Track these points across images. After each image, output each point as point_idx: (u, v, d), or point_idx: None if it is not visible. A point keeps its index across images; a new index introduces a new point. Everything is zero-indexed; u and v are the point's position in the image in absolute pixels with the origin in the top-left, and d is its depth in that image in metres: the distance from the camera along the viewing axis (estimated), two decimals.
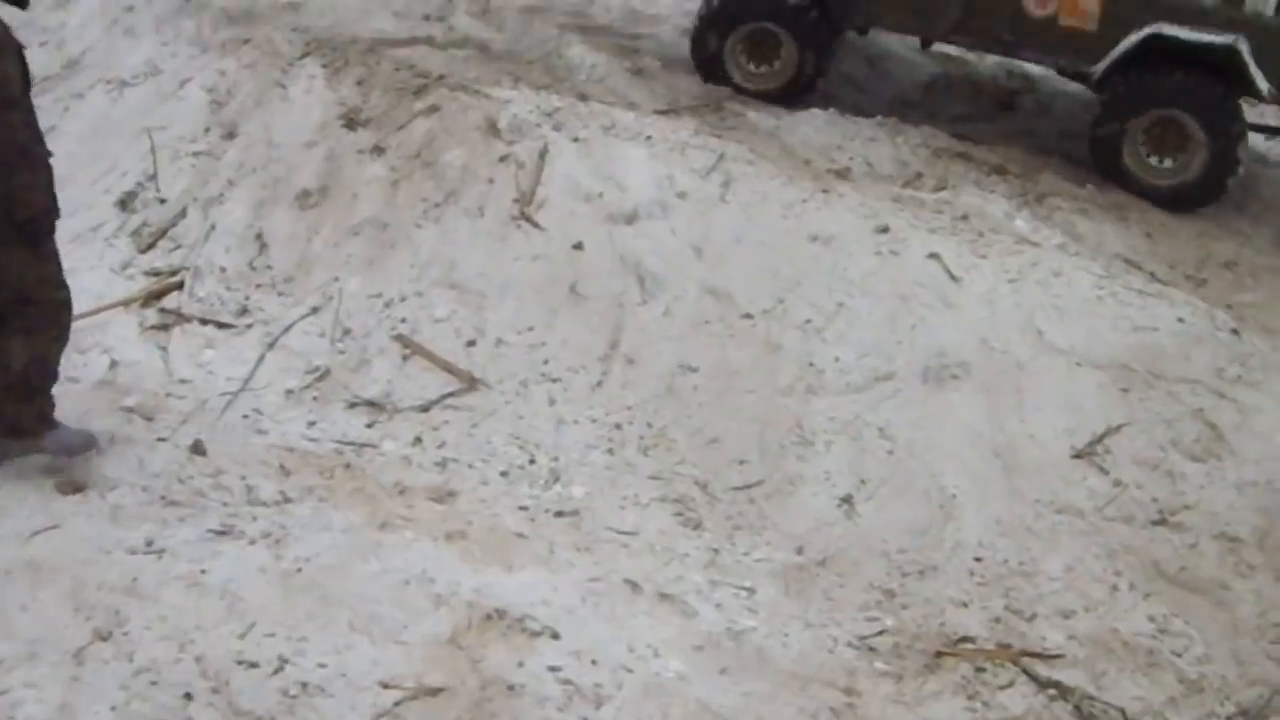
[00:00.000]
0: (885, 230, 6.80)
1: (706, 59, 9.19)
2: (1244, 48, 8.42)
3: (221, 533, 4.76)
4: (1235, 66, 8.49)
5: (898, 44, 10.32)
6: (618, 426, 6.09)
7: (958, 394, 6.07)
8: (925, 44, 10.16)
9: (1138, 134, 8.71)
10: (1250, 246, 8.47)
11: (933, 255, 6.66)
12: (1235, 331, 6.55)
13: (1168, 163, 8.71)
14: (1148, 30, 8.53)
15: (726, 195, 7.00)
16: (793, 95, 9.05)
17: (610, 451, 5.97)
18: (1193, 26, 8.50)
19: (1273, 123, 9.47)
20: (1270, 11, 8.62)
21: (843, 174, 7.71)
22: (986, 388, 6.08)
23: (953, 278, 6.55)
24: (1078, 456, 5.86)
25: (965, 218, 7.21)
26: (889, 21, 9.35)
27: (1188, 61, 8.59)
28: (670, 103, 8.70)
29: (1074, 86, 9.76)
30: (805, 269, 6.62)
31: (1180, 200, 8.67)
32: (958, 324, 6.34)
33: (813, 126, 8.48)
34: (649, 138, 7.38)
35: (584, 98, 8.05)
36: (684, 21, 10.20)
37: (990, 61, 10.40)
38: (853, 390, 6.14)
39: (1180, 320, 6.48)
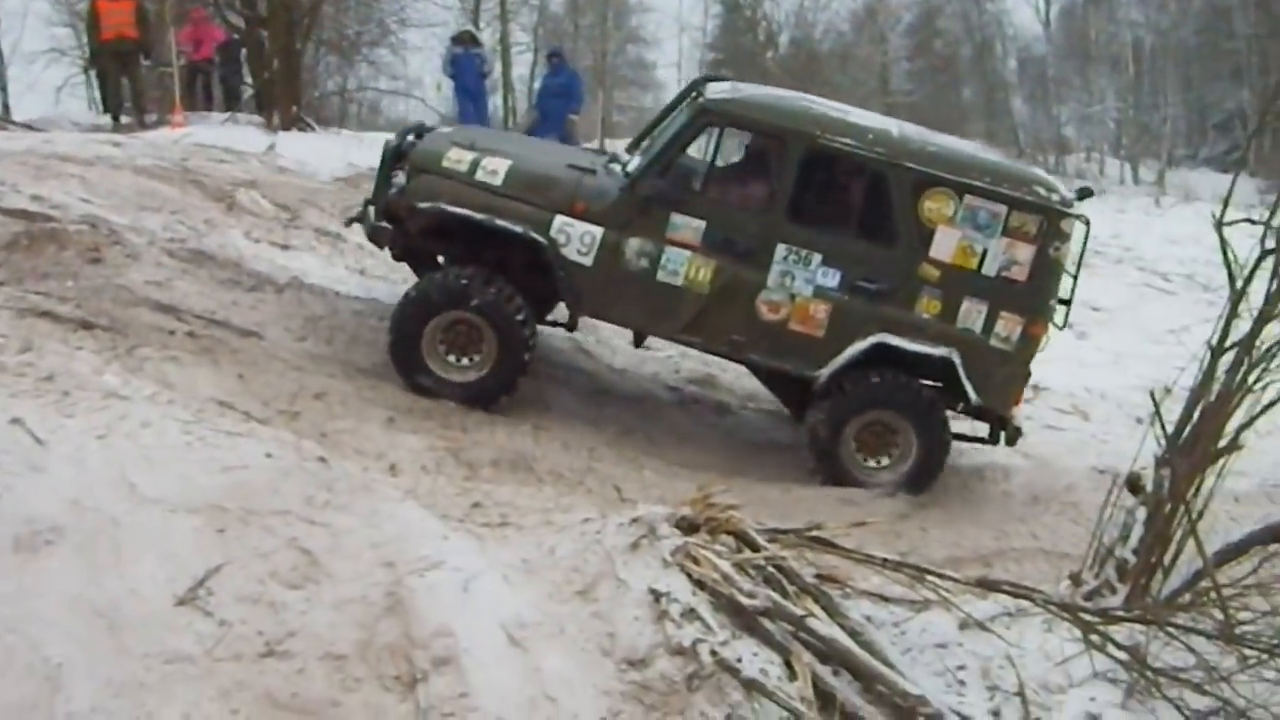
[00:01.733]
0: None
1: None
2: (957, 360, 9.49)
3: None
4: (950, 377, 9.58)
5: None
6: None
7: (53, 560, 5.90)
8: (639, 340, 10.57)
9: (852, 437, 9.63)
10: (340, 377, 9.02)
11: (15, 421, 6.47)
12: (323, 459, 6.91)
13: (884, 461, 9.76)
14: (874, 339, 9.42)
15: None
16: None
17: None
18: (912, 338, 9.48)
19: None
20: (977, 328, 9.60)
21: None
22: (82, 549, 5.96)
23: (38, 441, 6.40)
24: (181, 604, 5.89)
25: (50, 378, 7.07)
26: (618, 316, 9.78)
27: (905, 369, 9.57)
28: None
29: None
30: None
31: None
32: (47, 488, 6.17)
33: None
34: None
35: None
36: None
37: (75, 213, 10.31)
38: None
39: (269, 455, 6.73)
